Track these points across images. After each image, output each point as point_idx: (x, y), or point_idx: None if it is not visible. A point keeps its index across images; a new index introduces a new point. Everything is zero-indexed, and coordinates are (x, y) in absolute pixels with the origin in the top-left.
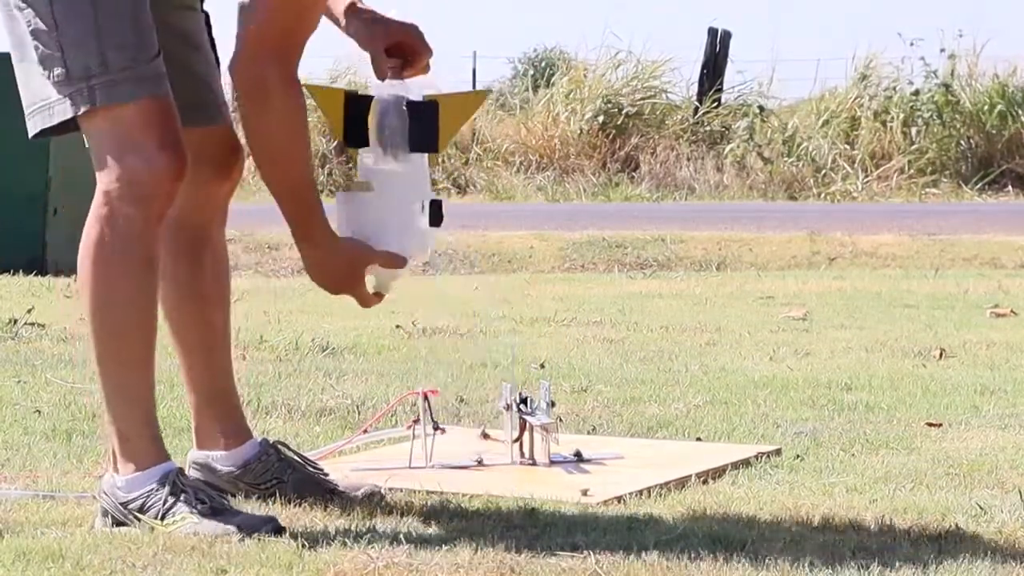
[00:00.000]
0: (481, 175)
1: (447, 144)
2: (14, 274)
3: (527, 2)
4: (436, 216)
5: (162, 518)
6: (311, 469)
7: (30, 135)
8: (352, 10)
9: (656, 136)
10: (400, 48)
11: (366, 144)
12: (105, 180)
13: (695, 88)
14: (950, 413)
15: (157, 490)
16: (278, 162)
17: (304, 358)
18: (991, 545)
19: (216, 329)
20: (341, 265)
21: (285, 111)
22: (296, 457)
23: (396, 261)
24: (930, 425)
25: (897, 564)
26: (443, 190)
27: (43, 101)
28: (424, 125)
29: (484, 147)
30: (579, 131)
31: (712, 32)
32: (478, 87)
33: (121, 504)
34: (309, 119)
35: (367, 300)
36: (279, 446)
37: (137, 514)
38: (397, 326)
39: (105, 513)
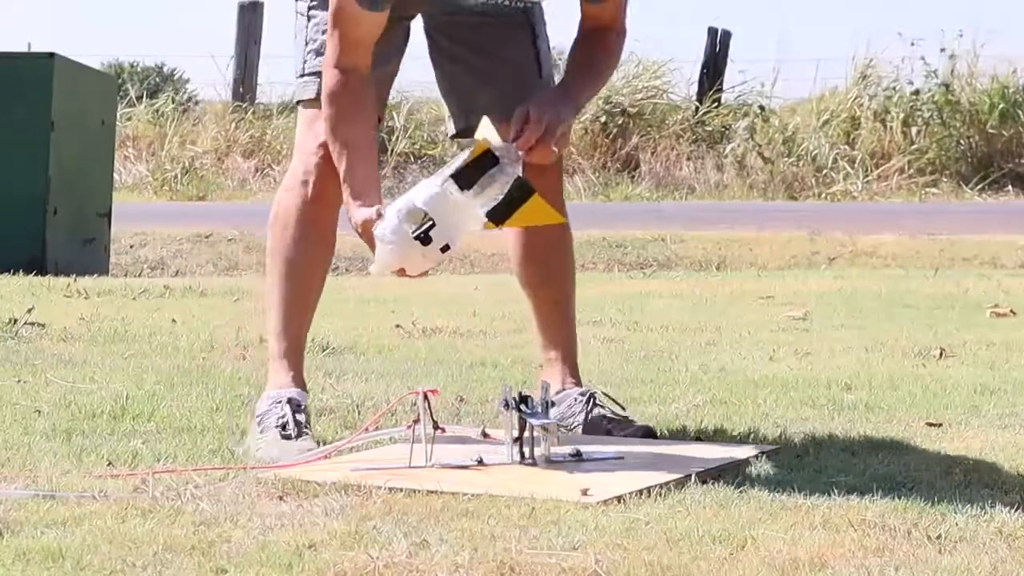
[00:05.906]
0: None
1: (506, 224)
2: (14, 274)
3: None
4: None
5: (263, 432)
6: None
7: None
8: None
9: (656, 136)
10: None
11: (469, 188)
12: (293, 160)
13: (695, 88)
14: (950, 413)
15: (271, 408)
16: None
17: (304, 358)
18: (991, 545)
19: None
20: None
21: (356, 108)
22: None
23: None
24: (930, 425)
25: (897, 564)
26: None
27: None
28: (510, 202)
29: None
30: (580, 131)
31: (712, 32)
32: None
33: (256, 413)
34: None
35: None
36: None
37: (257, 424)
38: (397, 326)
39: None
